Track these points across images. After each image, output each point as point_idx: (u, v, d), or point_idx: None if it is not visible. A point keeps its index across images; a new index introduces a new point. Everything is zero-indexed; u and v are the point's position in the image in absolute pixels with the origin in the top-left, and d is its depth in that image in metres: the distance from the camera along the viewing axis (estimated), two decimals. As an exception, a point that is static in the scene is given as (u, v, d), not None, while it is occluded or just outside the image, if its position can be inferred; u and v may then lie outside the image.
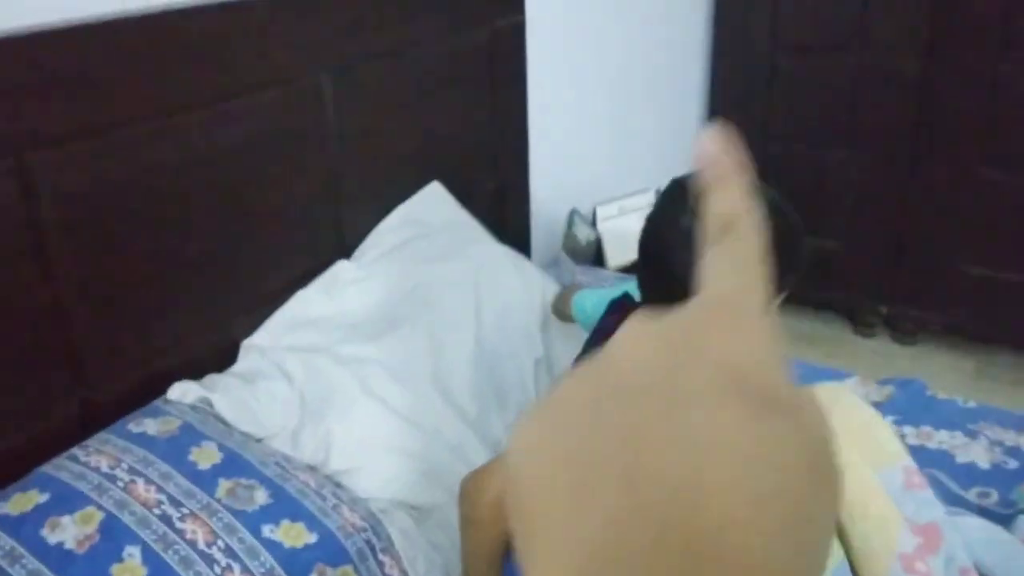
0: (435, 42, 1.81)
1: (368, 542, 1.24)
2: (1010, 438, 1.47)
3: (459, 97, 1.92)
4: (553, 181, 2.34)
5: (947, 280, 2.72)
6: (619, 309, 1.31)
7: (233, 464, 1.22)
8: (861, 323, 2.94)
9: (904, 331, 2.87)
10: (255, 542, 1.14)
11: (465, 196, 1.97)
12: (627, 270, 2.38)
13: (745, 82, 2.83)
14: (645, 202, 2.50)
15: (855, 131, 2.70)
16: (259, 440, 1.34)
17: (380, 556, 1.24)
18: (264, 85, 1.45)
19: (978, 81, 2.46)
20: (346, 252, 1.69)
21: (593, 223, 2.45)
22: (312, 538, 1.19)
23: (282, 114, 1.50)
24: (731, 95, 2.86)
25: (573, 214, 2.38)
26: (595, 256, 2.41)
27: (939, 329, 2.81)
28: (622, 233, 2.44)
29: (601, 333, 1.29)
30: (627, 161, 2.67)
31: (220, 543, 1.11)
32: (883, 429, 1.08)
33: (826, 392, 1.14)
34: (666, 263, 1.06)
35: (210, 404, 1.32)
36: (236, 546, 1.12)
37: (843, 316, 2.99)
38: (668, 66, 2.76)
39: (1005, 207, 2.55)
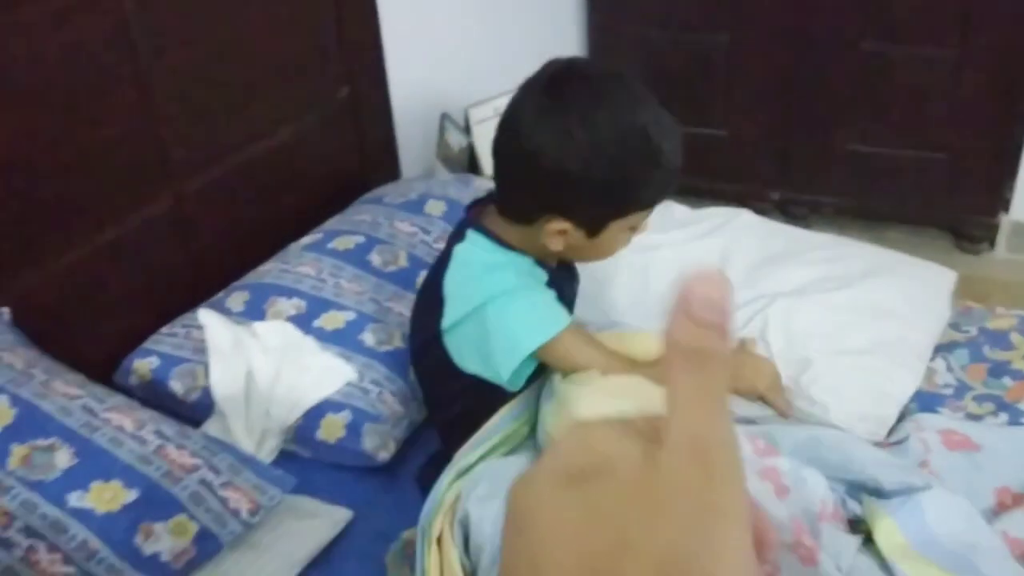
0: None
1: (203, 480, 1.11)
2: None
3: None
4: (418, 83, 2.16)
5: (836, 160, 2.69)
6: (473, 206, 1.24)
7: (27, 422, 1.07)
8: (754, 210, 2.88)
9: (797, 215, 2.84)
10: (60, 515, 1.00)
11: (313, 107, 1.79)
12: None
13: (622, -36, 2.68)
14: (524, 100, 2.35)
15: (736, 13, 2.59)
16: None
17: (221, 492, 1.11)
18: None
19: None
20: (172, 183, 1.51)
21: (466, 127, 2.29)
22: (131, 496, 1.05)
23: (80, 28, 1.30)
24: (609, -22, 2.70)
25: (444, 119, 2.22)
26: (469, 163, 2.26)
27: (831, 210, 2.79)
28: (500, 135, 2.30)
29: (454, 238, 1.21)
30: (500, 57, 2.49)
31: (18, 524, 0.97)
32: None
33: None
34: (520, 137, 1.06)
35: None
36: (37, 524, 0.98)
37: (736, 204, 2.94)
38: (540, -51, 2.57)
39: (889, 81, 2.50)
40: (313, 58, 1.79)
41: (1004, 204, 2.56)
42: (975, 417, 1.27)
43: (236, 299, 1.47)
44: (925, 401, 1.29)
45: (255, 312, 1.43)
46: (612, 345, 1.17)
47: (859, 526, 1.02)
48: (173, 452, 1.13)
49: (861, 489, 1.03)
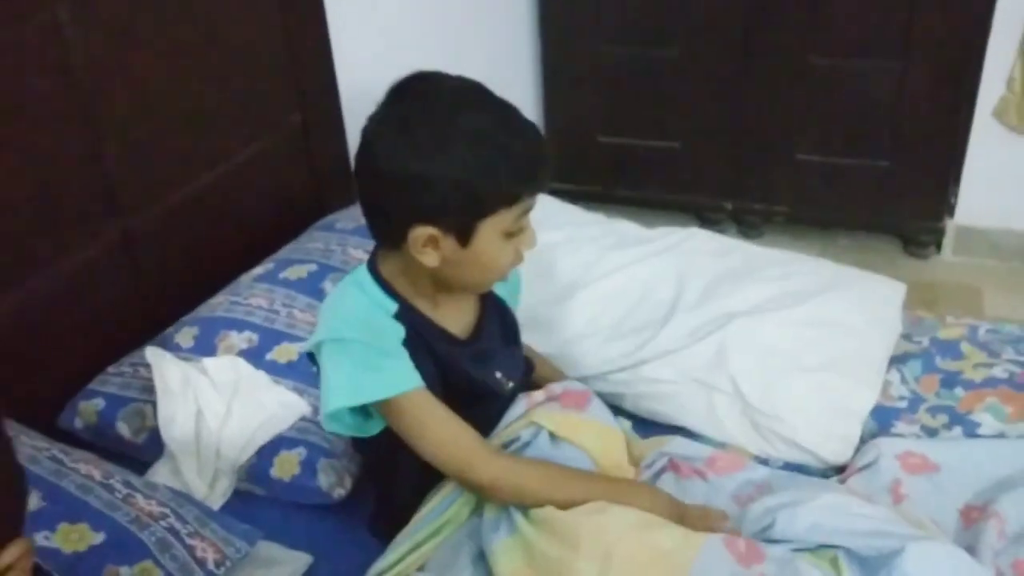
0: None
1: (171, 528, 1.11)
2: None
3: (239, 14, 1.68)
4: (373, 104, 2.14)
5: (787, 170, 2.72)
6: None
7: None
8: (708, 221, 2.91)
9: (750, 224, 2.86)
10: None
11: (263, 134, 1.76)
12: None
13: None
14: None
15: (685, 25, 2.61)
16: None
17: (188, 540, 1.10)
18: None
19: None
20: (119, 219, 1.47)
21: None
22: (98, 538, 1.06)
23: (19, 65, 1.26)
24: (559, -4, 2.71)
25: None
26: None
27: (783, 219, 2.82)
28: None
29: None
30: (451, 69, 2.48)
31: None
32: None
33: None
34: (367, 151, 1.02)
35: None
36: None
37: (690, 215, 2.97)
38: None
39: (836, 92, 2.54)
40: (262, 84, 1.76)
41: (949, 209, 2.61)
42: (930, 430, 1.29)
43: (185, 335, 1.43)
44: (881, 415, 1.30)
45: (205, 347, 1.40)
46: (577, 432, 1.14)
47: None
48: (141, 501, 1.13)
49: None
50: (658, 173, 2.90)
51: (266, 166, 1.80)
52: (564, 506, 1.03)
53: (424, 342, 1.08)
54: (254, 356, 1.39)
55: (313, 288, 1.51)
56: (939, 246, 2.66)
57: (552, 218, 1.64)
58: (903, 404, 1.33)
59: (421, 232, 1.01)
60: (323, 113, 1.93)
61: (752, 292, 1.41)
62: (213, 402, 1.28)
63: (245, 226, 1.75)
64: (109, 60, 1.42)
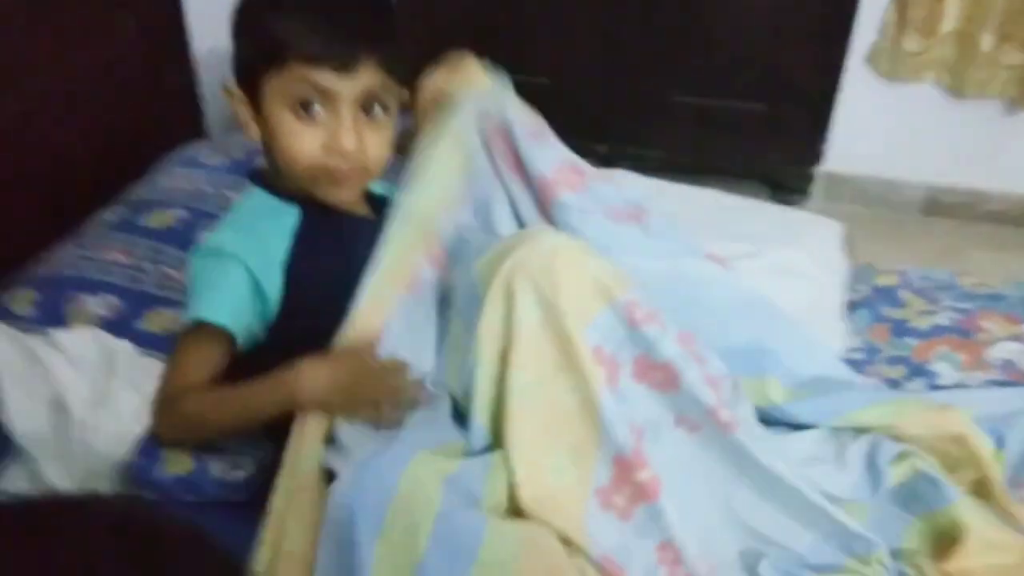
0: None
1: None
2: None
3: None
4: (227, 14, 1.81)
5: (658, 112, 2.64)
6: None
7: None
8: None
9: (623, 168, 2.78)
10: None
11: (93, 42, 1.41)
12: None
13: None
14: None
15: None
16: None
17: None
18: None
19: None
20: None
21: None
22: None
23: None
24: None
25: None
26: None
27: (654, 164, 2.75)
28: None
29: None
30: None
31: None
32: (588, 262, 0.89)
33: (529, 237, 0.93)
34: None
35: None
36: None
37: (561, 158, 2.84)
38: None
39: (709, 30, 2.48)
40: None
41: (819, 156, 2.64)
42: (892, 382, 1.23)
43: (22, 300, 1.11)
44: (843, 368, 1.23)
45: (51, 316, 1.09)
46: None
47: None
48: None
49: None
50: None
51: (97, 83, 1.45)
52: (236, 427, 0.96)
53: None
54: (119, 327, 1.09)
55: (186, 240, 1.22)
56: (807, 192, 2.69)
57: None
58: (861, 356, 1.27)
59: (229, 86, 0.98)
60: (163, 19, 1.60)
61: (703, 238, 1.29)
62: (74, 384, 0.99)
63: (73, 155, 1.40)
64: None
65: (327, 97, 0.93)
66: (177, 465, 1.00)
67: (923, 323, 1.32)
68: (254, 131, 0.98)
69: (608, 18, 2.52)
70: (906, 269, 1.47)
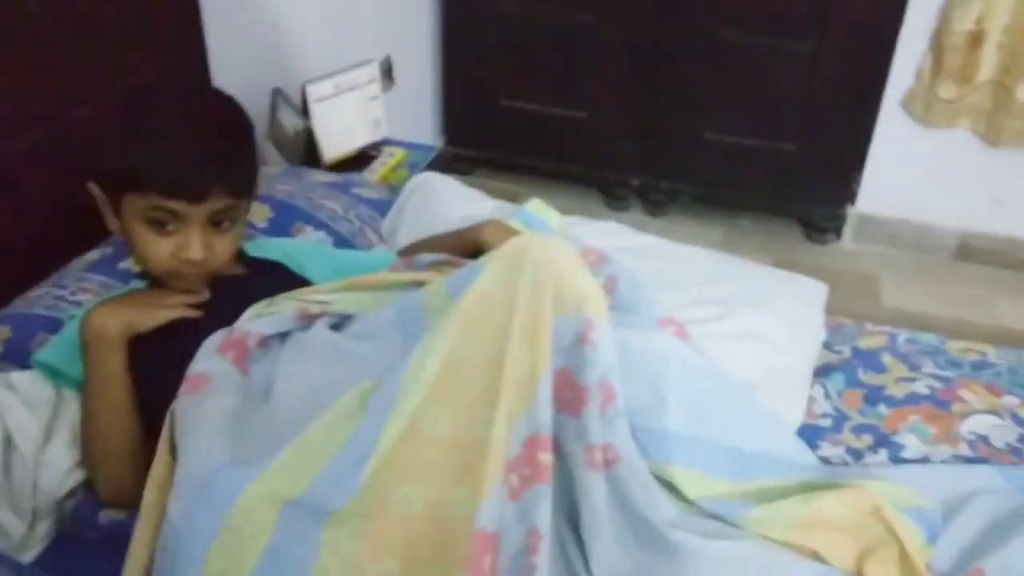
0: None
1: None
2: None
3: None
4: (246, 54, 1.88)
5: (694, 148, 2.62)
6: None
7: None
8: (613, 196, 2.80)
9: (655, 203, 2.76)
10: None
11: (112, 86, 1.48)
12: (343, 167, 2.01)
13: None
14: (366, 78, 2.11)
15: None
16: None
17: None
18: None
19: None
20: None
21: (304, 107, 2.02)
22: None
23: None
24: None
25: (276, 95, 1.95)
26: (307, 149, 2.00)
27: (688, 198, 2.72)
28: (339, 117, 2.05)
29: None
30: (344, 27, 2.24)
31: None
32: (575, 272, 0.91)
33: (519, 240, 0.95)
34: None
35: None
36: None
37: (595, 189, 2.84)
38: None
39: (747, 72, 2.45)
40: (111, 27, 1.48)
41: (851, 196, 2.57)
42: (855, 452, 1.18)
43: (-5, 337, 1.17)
44: (806, 434, 1.18)
45: (18, 355, 1.14)
46: None
47: None
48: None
49: None
50: (564, 144, 2.75)
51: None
52: (96, 411, 1.04)
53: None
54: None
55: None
56: (839, 233, 2.61)
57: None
58: (827, 423, 1.22)
59: (93, 187, 1.10)
60: (183, 61, 1.66)
61: (672, 297, 1.26)
62: (25, 425, 1.04)
63: (83, 197, 1.47)
64: None
65: (179, 218, 1.04)
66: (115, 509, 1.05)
67: (900, 391, 1.27)
68: (116, 226, 1.10)
69: (647, 56, 2.52)
70: (897, 331, 1.42)
